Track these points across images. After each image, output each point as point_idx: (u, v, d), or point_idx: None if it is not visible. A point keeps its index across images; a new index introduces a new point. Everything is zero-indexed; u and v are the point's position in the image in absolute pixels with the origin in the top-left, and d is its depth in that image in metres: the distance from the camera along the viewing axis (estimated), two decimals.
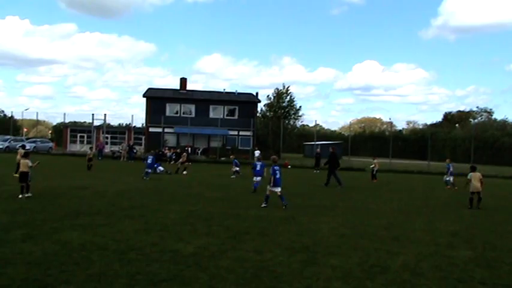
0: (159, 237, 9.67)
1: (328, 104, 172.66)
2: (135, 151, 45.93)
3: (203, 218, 12.27)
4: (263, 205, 14.80)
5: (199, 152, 53.50)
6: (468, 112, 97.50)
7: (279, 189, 14.86)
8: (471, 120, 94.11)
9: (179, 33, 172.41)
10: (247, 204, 15.52)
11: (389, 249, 9.42)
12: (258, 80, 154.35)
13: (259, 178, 19.36)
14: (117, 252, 8.18)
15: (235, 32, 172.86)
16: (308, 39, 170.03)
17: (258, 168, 17.04)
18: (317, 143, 61.60)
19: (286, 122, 59.94)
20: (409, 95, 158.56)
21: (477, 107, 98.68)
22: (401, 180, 29.46)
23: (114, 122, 79.67)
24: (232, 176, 27.22)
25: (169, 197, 16.25)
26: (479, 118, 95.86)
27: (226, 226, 11.27)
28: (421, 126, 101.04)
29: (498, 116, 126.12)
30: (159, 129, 53.82)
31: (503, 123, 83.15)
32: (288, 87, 63.45)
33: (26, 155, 16.67)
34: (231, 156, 32.20)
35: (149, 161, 24.27)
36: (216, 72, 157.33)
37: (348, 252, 9.01)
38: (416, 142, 76.10)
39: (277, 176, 14.90)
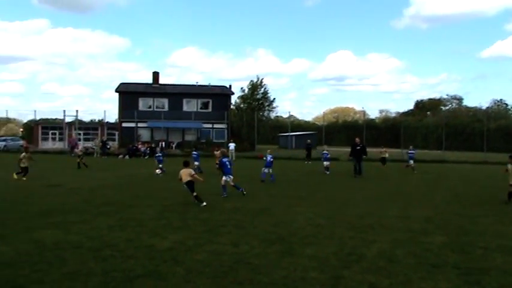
0: (134, 233, 9.58)
1: (303, 94, 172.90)
2: (108, 147, 45.36)
3: (179, 212, 12.21)
4: (223, 195, 15.43)
5: (173, 146, 53.07)
6: (439, 100, 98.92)
7: (230, 178, 15.83)
8: (442, 107, 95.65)
9: (153, 27, 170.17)
10: (222, 197, 15.47)
11: (364, 237, 9.53)
12: (233, 72, 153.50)
13: (266, 170, 20.80)
14: (91, 250, 8.07)
15: (209, 25, 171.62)
16: (282, 31, 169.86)
17: (228, 166, 16.67)
18: (292, 134, 61.92)
19: (261, 113, 59.95)
20: (382, 84, 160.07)
21: (447, 95, 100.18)
22: (375, 169, 29.79)
23: (87, 118, 78.13)
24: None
25: (144, 192, 16.09)
26: (450, 105, 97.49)
27: (202, 219, 11.23)
28: (393, 115, 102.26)
29: (468, 103, 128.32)
30: (133, 124, 53.18)
31: (474, 109, 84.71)
32: (262, 79, 63.47)
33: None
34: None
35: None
36: (191, 65, 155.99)
37: (323, 242, 9.08)
38: (389, 130, 76.97)
39: (228, 166, 15.98)
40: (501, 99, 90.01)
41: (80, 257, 7.62)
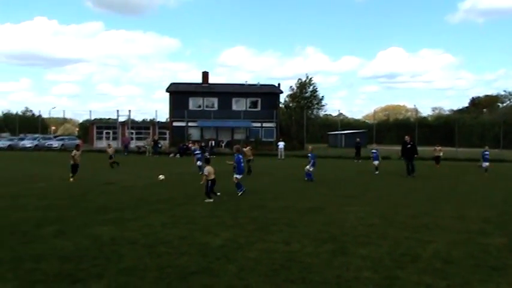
0: (187, 230, 9.73)
1: (352, 92, 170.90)
2: (160, 146, 46.30)
3: (230, 210, 12.30)
4: (239, 193, 15.35)
5: (223, 144, 53.59)
6: (496, 96, 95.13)
7: (239, 177, 15.70)
8: (499, 104, 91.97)
9: (203, 28, 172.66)
10: (273, 195, 15.50)
11: (419, 238, 9.29)
12: (281, 71, 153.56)
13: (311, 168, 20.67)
14: (146, 246, 8.26)
15: (258, 24, 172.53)
16: (332, 28, 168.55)
17: (242, 164, 16.59)
18: (341, 132, 61.27)
19: (310, 112, 59.64)
20: (435, 80, 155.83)
21: (504, 91, 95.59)
22: (428, 168, 29.05)
23: (138, 118, 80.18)
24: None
25: (195, 190, 16.32)
26: (508, 102, 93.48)
27: (253, 217, 11.28)
28: (447, 112, 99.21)
29: None
30: (183, 124, 54.10)
31: None
32: (311, 77, 63.20)
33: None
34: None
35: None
36: (240, 64, 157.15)
37: (377, 242, 8.92)
38: (442, 128, 74.74)
39: (242, 164, 15.95)
40: None
41: (135, 253, 7.81)
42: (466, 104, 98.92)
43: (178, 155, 41.91)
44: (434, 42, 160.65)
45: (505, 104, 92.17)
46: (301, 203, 13.75)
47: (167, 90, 58.27)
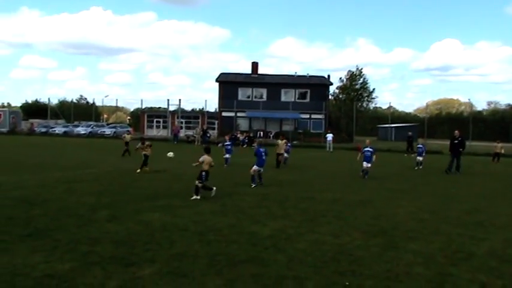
0: (235, 219, 9.83)
1: (404, 85, 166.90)
2: (208, 135, 46.83)
3: (278, 201, 12.33)
4: (252, 185, 15.14)
5: (271, 135, 53.64)
6: None
7: (256, 168, 15.55)
8: None
9: (253, 18, 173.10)
10: (321, 187, 15.42)
11: (473, 235, 9.02)
12: (331, 62, 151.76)
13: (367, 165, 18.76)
14: (196, 233, 8.40)
15: (308, 15, 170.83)
16: (384, 19, 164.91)
17: (263, 157, 16.25)
18: (391, 125, 60.10)
19: (359, 104, 58.74)
20: (491, 74, 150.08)
21: None
22: (482, 164, 28.10)
23: (188, 107, 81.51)
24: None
25: (243, 180, 16.41)
26: None
27: (301, 209, 11.27)
28: (503, 107, 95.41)
29: None
30: (232, 114, 54.51)
31: None
32: (361, 69, 62.16)
33: None
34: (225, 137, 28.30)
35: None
36: (289, 55, 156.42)
37: (428, 237, 8.73)
38: (498, 123, 72.01)
39: (263, 157, 15.89)
40: None
41: (186, 239, 7.97)
42: None
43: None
44: (492, 34, 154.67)
45: None
46: (350, 196, 13.62)
47: (217, 80, 58.78)
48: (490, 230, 9.56)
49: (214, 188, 12.83)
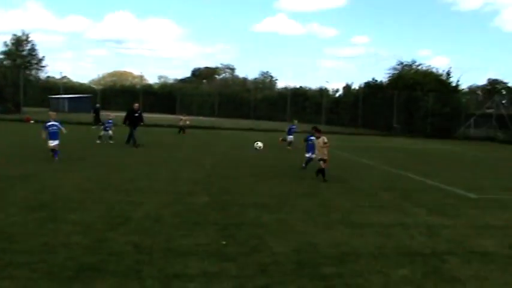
0: None
1: (79, 55, 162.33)
2: None
3: None
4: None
5: None
6: (214, 69, 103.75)
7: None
8: (216, 76, 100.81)
9: None
10: None
11: (132, 201, 9.68)
12: None
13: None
14: None
15: None
16: None
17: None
18: (65, 96, 58.38)
19: (28, 72, 54.73)
20: (160, 49, 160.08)
21: (221, 64, 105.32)
22: (151, 134, 30.10)
23: None
24: None
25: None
26: (224, 74, 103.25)
27: None
28: (172, 81, 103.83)
29: (240, 73, 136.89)
30: None
31: (243, 80, 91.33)
32: (28, 34, 57.58)
33: None
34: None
35: None
36: None
37: (90, 207, 8.97)
38: (166, 97, 77.93)
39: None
40: (267, 71, 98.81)
41: None
42: (189, 75, 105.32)
43: None
44: (161, 11, 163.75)
45: (221, 76, 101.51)
46: (10, 171, 12.73)
47: None
48: (148, 195, 10.36)
49: None
